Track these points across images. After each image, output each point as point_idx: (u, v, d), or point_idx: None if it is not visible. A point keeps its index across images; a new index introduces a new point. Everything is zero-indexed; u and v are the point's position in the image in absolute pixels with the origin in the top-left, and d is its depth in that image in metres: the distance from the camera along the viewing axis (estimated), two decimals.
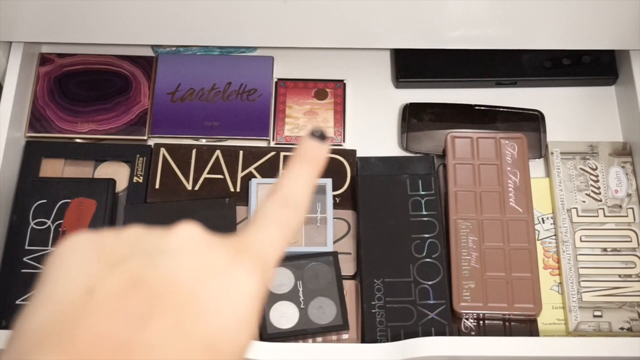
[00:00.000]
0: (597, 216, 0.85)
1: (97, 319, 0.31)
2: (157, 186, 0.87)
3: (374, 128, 0.92)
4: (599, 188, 0.86)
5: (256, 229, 0.37)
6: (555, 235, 0.85)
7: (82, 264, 0.33)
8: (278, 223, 0.37)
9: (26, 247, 0.82)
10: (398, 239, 0.82)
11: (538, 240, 0.84)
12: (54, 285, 0.32)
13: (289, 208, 0.38)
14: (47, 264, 0.34)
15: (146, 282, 0.32)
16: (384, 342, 0.77)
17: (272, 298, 0.80)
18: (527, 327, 0.80)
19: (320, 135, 0.40)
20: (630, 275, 0.82)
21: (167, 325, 0.31)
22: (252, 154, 0.89)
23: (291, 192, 0.38)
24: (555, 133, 0.90)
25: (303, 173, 0.39)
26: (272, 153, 0.89)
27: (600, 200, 0.85)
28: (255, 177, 0.87)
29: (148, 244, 0.34)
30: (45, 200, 0.84)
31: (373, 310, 0.79)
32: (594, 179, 0.86)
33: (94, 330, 0.30)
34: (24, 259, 0.81)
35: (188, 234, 0.35)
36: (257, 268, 0.35)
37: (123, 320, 0.31)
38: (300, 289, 0.81)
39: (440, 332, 0.78)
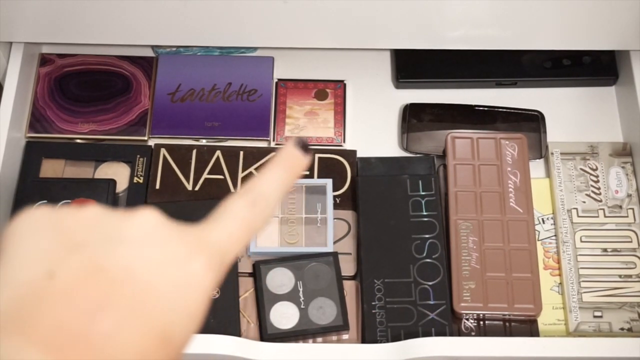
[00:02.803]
0: (598, 217, 0.85)
1: (58, 304, 0.31)
2: (157, 186, 0.87)
3: (374, 128, 0.92)
4: (599, 188, 0.86)
5: (219, 224, 0.37)
6: (555, 235, 0.85)
7: (41, 244, 0.33)
8: (242, 221, 0.37)
9: None
10: (398, 240, 0.82)
11: (538, 240, 0.84)
12: (12, 266, 0.32)
13: (257, 208, 0.38)
14: (3, 241, 0.34)
15: (105, 270, 0.32)
16: (384, 342, 0.77)
17: (273, 298, 0.80)
18: (528, 327, 0.80)
19: (304, 146, 0.40)
20: (630, 276, 0.82)
21: (123, 315, 0.31)
22: (253, 155, 0.89)
23: (262, 192, 0.38)
24: (555, 133, 0.90)
25: (279, 177, 0.39)
26: (273, 153, 0.89)
27: (601, 201, 0.85)
28: None
29: (108, 229, 0.34)
30: (45, 201, 0.84)
31: (373, 311, 0.79)
32: (594, 179, 0.86)
33: (55, 315, 0.30)
34: None
35: (149, 222, 0.35)
36: (213, 264, 0.35)
37: (83, 307, 0.31)
38: (301, 290, 0.81)
39: (441, 333, 0.78)
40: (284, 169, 0.39)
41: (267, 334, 0.78)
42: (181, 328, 0.33)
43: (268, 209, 0.38)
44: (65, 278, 0.31)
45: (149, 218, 0.35)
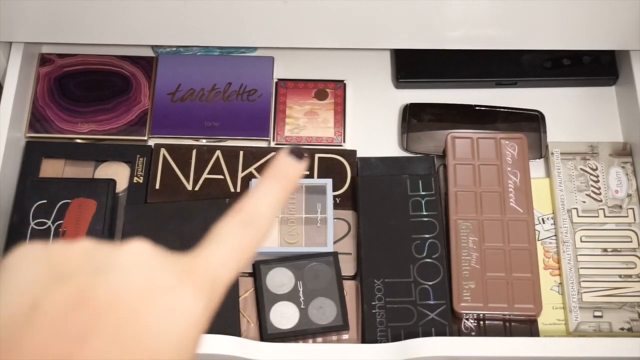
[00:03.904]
0: (598, 216, 0.85)
1: (40, 334, 0.31)
2: (157, 186, 0.87)
3: (374, 128, 0.92)
4: (599, 188, 0.86)
5: (210, 249, 0.36)
6: (555, 235, 0.85)
7: (29, 277, 0.33)
8: (234, 244, 0.36)
9: None
10: (398, 239, 0.82)
11: (538, 240, 0.84)
12: (0, 298, 0.32)
13: (250, 229, 0.36)
14: None
15: (90, 299, 0.32)
16: (384, 342, 0.77)
17: (273, 298, 0.80)
18: (528, 327, 0.80)
19: (298, 154, 0.38)
20: (630, 276, 0.82)
21: (108, 343, 0.31)
22: (253, 154, 0.89)
23: (255, 211, 0.37)
24: (555, 133, 0.90)
25: (272, 191, 0.38)
26: (273, 153, 0.89)
27: (601, 201, 0.85)
28: (255, 177, 0.87)
29: (97, 260, 0.34)
30: (45, 201, 0.84)
31: (373, 311, 0.79)
32: (594, 179, 0.86)
33: (38, 345, 0.30)
34: None
35: (137, 252, 0.34)
36: (204, 290, 0.34)
37: (65, 336, 0.31)
38: (301, 289, 0.81)
39: (441, 333, 0.78)
40: (277, 182, 0.38)
41: (267, 334, 0.78)
42: (170, 355, 0.32)
43: (262, 228, 0.37)
44: (49, 308, 0.31)
45: (138, 248, 0.34)
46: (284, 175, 0.38)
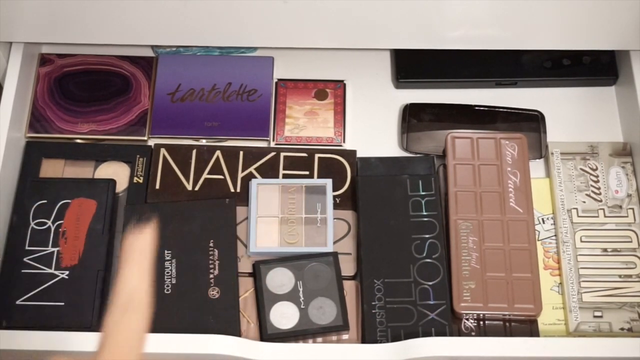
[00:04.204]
0: (598, 216, 0.85)
1: None
2: (157, 186, 0.87)
3: (374, 128, 0.92)
4: (599, 188, 0.86)
5: (107, 347, 0.39)
6: (555, 235, 0.85)
7: None
8: (125, 332, 0.40)
9: (26, 248, 0.82)
10: (398, 240, 0.82)
11: (538, 240, 0.84)
12: None
13: (130, 312, 0.41)
14: None
15: None
16: (384, 342, 0.77)
17: (273, 298, 0.80)
18: (528, 327, 0.80)
19: (139, 220, 0.44)
20: (630, 276, 0.82)
21: None
22: (253, 154, 0.89)
23: (128, 294, 0.41)
24: (555, 133, 0.90)
25: (133, 269, 0.42)
26: (272, 153, 0.89)
27: (601, 201, 0.85)
28: (255, 177, 0.87)
29: None
30: (45, 201, 0.84)
31: (373, 311, 0.79)
32: (594, 179, 0.86)
33: None
34: (24, 260, 0.81)
35: None
36: None
37: None
38: (301, 290, 0.81)
39: (441, 333, 0.78)
40: (133, 260, 0.43)
41: (267, 334, 0.78)
42: None
43: (141, 305, 0.41)
44: None
45: None
46: (134, 251, 0.43)
